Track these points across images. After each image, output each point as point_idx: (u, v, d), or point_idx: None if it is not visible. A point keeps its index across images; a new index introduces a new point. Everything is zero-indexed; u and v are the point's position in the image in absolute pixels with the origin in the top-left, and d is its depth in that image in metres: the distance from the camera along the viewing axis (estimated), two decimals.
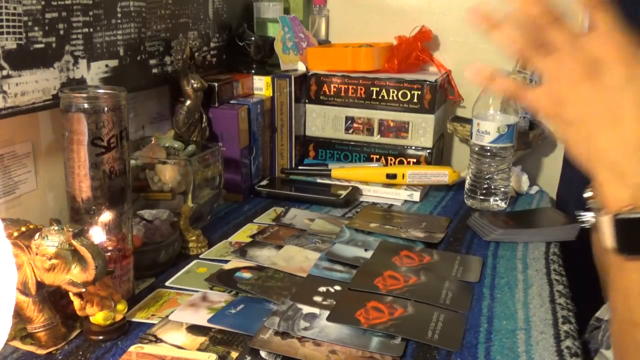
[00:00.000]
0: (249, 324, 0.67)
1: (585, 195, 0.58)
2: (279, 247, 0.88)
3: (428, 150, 1.21)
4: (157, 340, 0.64)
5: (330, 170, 1.17)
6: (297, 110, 1.21)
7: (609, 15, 0.52)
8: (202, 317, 0.68)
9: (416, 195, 1.11)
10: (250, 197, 1.12)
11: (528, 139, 1.23)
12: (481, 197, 1.08)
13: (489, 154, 1.06)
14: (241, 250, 0.86)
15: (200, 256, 0.86)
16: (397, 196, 1.12)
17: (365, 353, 0.62)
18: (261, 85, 1.20)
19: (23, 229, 0.62)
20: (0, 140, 0.75)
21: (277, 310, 0.69)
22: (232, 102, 1.12)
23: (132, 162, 0.86)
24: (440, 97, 1.25)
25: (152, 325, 0.67)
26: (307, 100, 1.26)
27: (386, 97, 1.22)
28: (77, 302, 0.64)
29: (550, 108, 0.55)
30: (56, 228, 0.60)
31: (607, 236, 0.51)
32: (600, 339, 0.73)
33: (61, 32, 0.79)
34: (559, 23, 0.54)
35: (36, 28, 0.74)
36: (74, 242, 0.59)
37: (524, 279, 0.81)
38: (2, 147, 0.76)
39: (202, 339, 0.64)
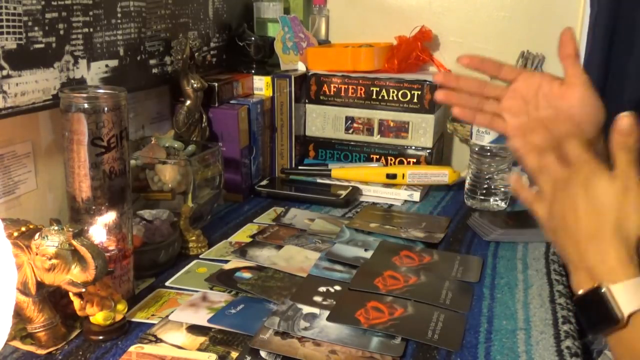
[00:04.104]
0: (249, 324, 0.67)
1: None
2: (279, 247, 0.88)
3: (428, 150, 1.21)
4: (157, 340, 0.64)
5: (330, 170, 1.17)
6: (297, 110, 1.21)
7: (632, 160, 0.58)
8: (202, 317, 0.68)
9: (416, 195, 1.12)
10: (250, 197, 1.12)
11: None
12: (481, 197, 1.08)
13: (489, 154, 1.06)
14: (241, 250, 0.86)
15: (200, 256, 0.86)
16: (397, 196, 1.12)
17: (365, 353, 0.62)
18: (261, 85, 1.20)
19: (23, 229, 0.62)
20: (0, 140, 0.75)
21: (277, 310, 0.69)
22: (232, 102, 1.12)
23: (132, 162, 0.86)
24: None
25: (152, 325, 0.67)
26: (307, 100, 1.26)
27: (386, 97, 1.22)
28: (77, 302, 0.64)
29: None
30: (56, 228, 0.60)
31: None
32: (605, 341, 0.73)
33: (61, 32, 0.79)
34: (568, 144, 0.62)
35: (36, 28, 0.74)
36: (74, 242, 0.59)
37: (524, 279, 0.81)
38: (2, 147, 0.76)
39: (202, 339, 0.64)
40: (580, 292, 0.55)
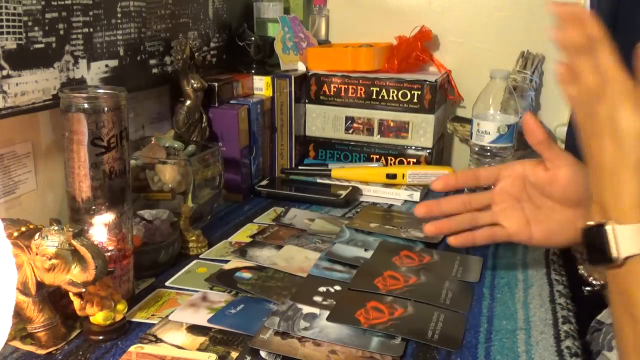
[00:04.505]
0: (249, 324, 0.67)
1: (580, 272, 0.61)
2: (279, 247, 0.88)
3: (428, 150, 1.21)
4: (157, 340, 0.64)
5: (330, 170, 1.17)
6: (297, 110, 1.21)
7: None
8: (202, 317, 0.68)
9: (416, 195, 1.11)
10: (250, 197, 1.12)
11: None
12: None
13: (489, 154, 1.06)
14: (241, 250, 0.86)
15: (200, 256, 0.86)
16: (397, 196, 1.12)
17: (365, 353, 0.62)
18: (261, 85, 1.19)
19: (23, 229, 0.62)
20: (0, 140, 0.75)
21: (277, 310, 0.69)
22: (232, 102, 1.12)
23: (132, 162, 0.86)
24: (440, 97, 1.26)
25: (152, 325, 0.67)
26: (307, 100, 1.26)
27: (386, 97, 1.22)
28: (77, 302, 0.64)
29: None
30: (56, 228, 0.60)
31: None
32: (602, 342, 0.73)
33: (61, 32, 0.79)
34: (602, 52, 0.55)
35: (36, 28, 0.74)
36: (74, 242, 0.59)
37: (524, 279, 0.81)
38: (2, 147, 0.76)
39: (202, 339, 0.64)
40: (589, 223, 0.54)
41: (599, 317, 0.76)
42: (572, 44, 0.56)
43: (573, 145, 0.75)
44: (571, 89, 0.58)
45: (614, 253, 0.51)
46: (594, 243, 0.53)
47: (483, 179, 0.77)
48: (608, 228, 0.52)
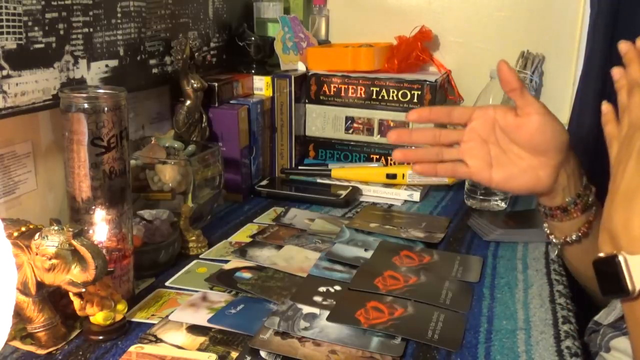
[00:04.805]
0: (249, 324, 0.67)
1: None
2: (279, 247, 0.88)
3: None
4: (157, 340, 0.64)
5: (330, 170, 1.17)
6: (297, 110, 1.21)
7: None
8: (202, 317, 0.68)
9: (416, 195, 1.11)
10: (250, 197, 1.12)
11: None
12: (481, 197, 1.08)
13: None
14: (241, 250, 0.86)
15: (200, 256, 0.86)
16: (397, 196, 1.12)
17: (365, 353, 0.62)
18: (261, 85, 1.19)
19: (23, 229, 0.62)
20: (0, 140, 0.75)
21: (277, 310, 0.69)
22: (232, 102, 1.12)
23: (132, 162, 0.86)
24: (440, 97, 1.25)
25: (152, 325, 0.67)
26: (307, 100, 1.26)
27: (386, 97, 1.22)
28: (77, 302, 0.64)
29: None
30: (56, 228, 0.60)
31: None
32: (599, 343, 0.73)
33: (61, 32, 0.79)
34: None
35: (36, 28, 0.74)
36: (74, 242, 0.59)
37: (524, 279, 0.81)
38: (2, 147, 0.76)
39: (202, 339, 0.64)
40: (600, 254, 0.54)
41: (596, 317, 0.76)
42: (632, 81, 0.59)
43: (573, 144, 0.76)
44: (612, 128, 0.62)
45: (629, 285, 0.51)
46: (607, 275, 0.53)
47: (456, 116, 0.79)
48: (620, 259, 0.51)
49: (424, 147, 0.80)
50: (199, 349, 0.63)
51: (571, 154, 0.75)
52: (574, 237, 0.77)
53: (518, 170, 0.76)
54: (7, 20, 0.70)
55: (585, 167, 0.79)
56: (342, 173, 1.17)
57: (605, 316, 0.73)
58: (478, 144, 0.77)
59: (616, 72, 0.63)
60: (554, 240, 0.80)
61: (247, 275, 0.78)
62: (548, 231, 0.81)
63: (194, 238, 0.87)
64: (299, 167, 1.23)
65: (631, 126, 0.58)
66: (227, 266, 0.81)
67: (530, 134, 0.73)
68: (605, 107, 0.65)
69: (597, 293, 0.57)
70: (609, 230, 0.54)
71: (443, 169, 0.79)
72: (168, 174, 0.89)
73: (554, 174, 0.75)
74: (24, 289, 0.61)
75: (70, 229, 0.59)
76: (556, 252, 0.81)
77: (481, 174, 0.77)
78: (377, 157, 1.24)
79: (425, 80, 1.19)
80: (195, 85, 1.01)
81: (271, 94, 1.18)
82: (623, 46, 0.62)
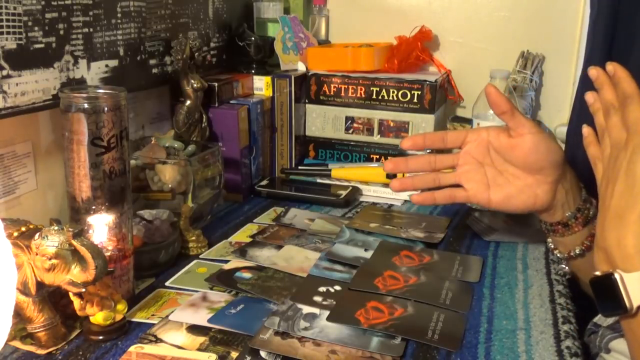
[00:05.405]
0: (249, 324, 0.67)
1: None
2: (279, 247, 0.88)
3: (428, 151, 1.20)
4: (157, 340, 0.64)
5: (330, 170, 1.17)
6: (297, 110, 1.21)
7: None
8: (202, 317, 0.68)
9: None
10: (250, 197, 1.12)
11: None
12: None
13: None
14: (241, 250, 0.86)
15: (200, 256, 0.86)
16: (397, 196, 1.12)
17: (365, 353, 0.62)
18: (261, 85, 1.19)
19: (23, 229, 0.62)
20: (0, 140, 0.75)
21: (277, 310, 0.69)
22: (232, 102, 1.12)
23: (132, 162, 0.86)
24: (440, 97, 1.26)
25: (152, 325, 0.67)
26: (307, 100, 1.26)
27: (386, 97, 1.22)
28: (77, 302, 0.64)
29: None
30: (56, 228, 0.60)
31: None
32: (599, 344, 0.73)
33: (61, 32, 0.79)
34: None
35: (36, 28, 0.74)
36: (74, 242, 0.59)
37: (524, 279, 0.81)
38: (2, 147, 0.76)
39: (202, 339, 0.64)
40: (596, 273, 0.55)
41: (595, 319, 0.76)
42: (606, 104, 0.59)
43: (573, 144, 0.76)
44: (594, 149, 0.63)
45: (627, 303, 0.51)
46: (604, 293, 0.53)
47: (450, 141, 0.80)
48: (616, 277, 0.52)
49: (420, 174, 0.81)
50: (199, 349, 0.63)
51: (567, 169, 0.76)
52: (577, 251, 0.78)
53: (515, 189, 0.76)
54: (7, 20, 0.70)
55: (586, 167, 0.79)
56: (342, 173, 1.17)
57: (604, 318, 0.73)
58: (474, 166, 0.78)
59: (590, 96, 0.65)
60: (558, 255, 0.81)
61: (247, 275, 0.78)
62: (552, 246, 0.81)
63: (194, 238, 0.87)
64: (299, 167, 1.23)
65: (614, 146, 0.59)
66: (227, 266, 0.81)
67: (525, 153, 0.74)
68: (586, 130, 0.66)
69: None
70: (604, 249, 0.55)
71: (440, 196, 0.80)
72: (168, 174, 0.89)
73: (552, 191, 0.75)
74: (24, 289, 0.61)
75: (70, 229, 0.59)
76: (564, 268, 0.81)
77: (479, 197, 0.78)
78: (377, 157, 1.24)
79: (425, 80, 1.19)
80: (195, 85, 1.01)
81: (271, 94, 1.18)
82: (593, 72, 0.63)
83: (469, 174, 0.78)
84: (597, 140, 0.64)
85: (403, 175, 0.84)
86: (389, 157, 0.84)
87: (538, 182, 0.75)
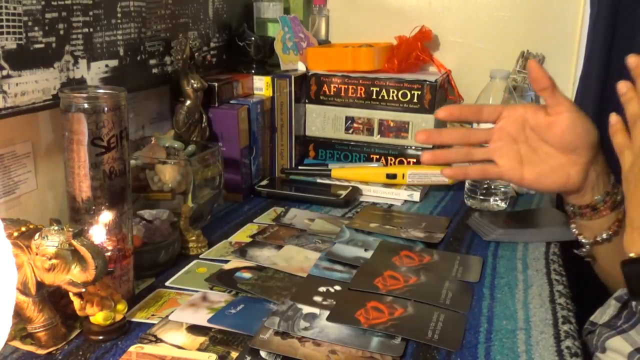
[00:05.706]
0: (249, 324, 0.67)
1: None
2: (279, 247, 0.88)
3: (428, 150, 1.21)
4: (157, 340, 0.64)
5: (330, 170, 1.17)
6: (297, 110, 1.21)
7: None
8: (202, 317, 0.68)
9: (416, 195, 1.11)
10: (250, 197, 1.12)
11: None
12: (481, 197, 1.08)
13: None
14: (241, 250, 0.86)
15: (200, 256, 0.86)
16: (397, 196, 1.12)
17: (365, 353, 0.62)
18: (261, 85, 1.20)
19: (23, 229, 0.62)
20: (0, 140, 0.75)
21: (277, 310, 0.69)
22: (232, 102, 1.12)
23: (132, 162, 0.86)
24: (440, 97, 1.26)
25: (152, 325, 0.67)
26: (307, 100, 1.26)
27: (386, 97, 1.22)
28: (77, 302, 0.64)
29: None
30: (56, 228, 0.60)
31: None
32: (595, 344, 0.73)
33: (61, 32, 0.79)
34: None
35: (36, 28, 0.74)
36: (74, 242, 0.59)
37: (524, 279, 0.81)
38: (2, 147, 0.76)
39: (202, 339, 0.64)
40: (631, 255, 0.54)
41: (592, 318, 0.76)
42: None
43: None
44: (622, 137, 0.63)
45: None
46: (637, 276, 0.52)
47: (486, 114, 0.78)
48: None
49: (452, 148, 0.80)
50: (199, 349, 0.63)
51: (600, 152, 0.75)
52: (604, 235, 0.77)
53: (548, 168, 0.76)
54: (7, 20, 0.70)
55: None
56: (342, 173, 1.17)
57: (600, 315, 0.73)
58: (508, 143, 0.77)
59: (622, 85, 0.64)
60: (583, 240, 0.80)
61: (247, 275, 0.78)
62: (576, 232, 0.81)
63: (194, 238, 0.87)
64: (299, 167, 1.23)
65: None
66: (227, 266, 0.81)
67: (562, 132, 0.73)
68: (614, 117, 0.65)
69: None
70: (639, 229, 0.54)
71: (473, 171, 0.79)
72: (168, 174, 0.89)
73: (584, 172, 0.75)
74: (24, 289, 0.61)
75: (70, 229, 0.59)
76: (585, 252, 0.80)
77: (512, 173, 0.77)
78: (377, 157, 1.24)
79: (425, 80, 1.19)
80: (195, 85, 1.01)
81: (271, 94, 1.18)
82: (633, 60, 0.62)
83: (503, 150, 0.77)
84: (624, 128, 0.64)
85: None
86: (421, 129, 0.82)
87: (571, 162, 0.74)
